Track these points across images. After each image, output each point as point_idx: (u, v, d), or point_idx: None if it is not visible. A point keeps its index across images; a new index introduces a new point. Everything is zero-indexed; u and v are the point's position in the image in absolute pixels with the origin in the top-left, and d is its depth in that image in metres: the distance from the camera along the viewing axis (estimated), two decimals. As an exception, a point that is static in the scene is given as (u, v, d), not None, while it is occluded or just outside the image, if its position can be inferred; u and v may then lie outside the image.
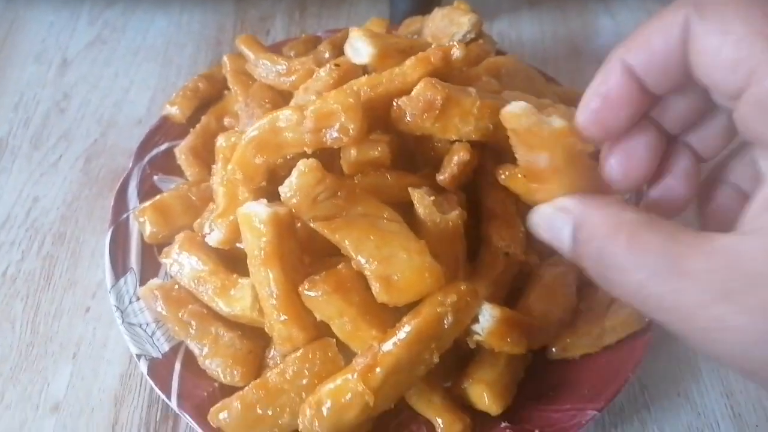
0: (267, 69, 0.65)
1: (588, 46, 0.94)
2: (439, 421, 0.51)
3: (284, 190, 0.49)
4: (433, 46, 0.57)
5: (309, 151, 0.52)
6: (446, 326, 0.47)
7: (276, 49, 0.76)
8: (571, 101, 0.73)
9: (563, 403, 0.53)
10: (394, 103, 0.55)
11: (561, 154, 0.40)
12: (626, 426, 0.57)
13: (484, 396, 0.51)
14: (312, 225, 0.50)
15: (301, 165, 0.48)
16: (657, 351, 0.61)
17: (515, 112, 0.41)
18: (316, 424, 0.46)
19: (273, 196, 0.52)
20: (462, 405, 0.52)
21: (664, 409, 0.59)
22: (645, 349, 0.55)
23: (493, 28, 0.94)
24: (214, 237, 0.55)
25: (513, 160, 0.58)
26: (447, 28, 0.68)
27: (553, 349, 0.55)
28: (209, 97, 0.71)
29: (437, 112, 0.53)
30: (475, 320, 0.49)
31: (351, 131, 0.51)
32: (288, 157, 0.53)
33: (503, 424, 0.52)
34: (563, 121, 0.41)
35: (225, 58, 0.71)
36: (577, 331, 0.55)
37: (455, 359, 0.53)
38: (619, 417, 0.58)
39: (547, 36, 0.94)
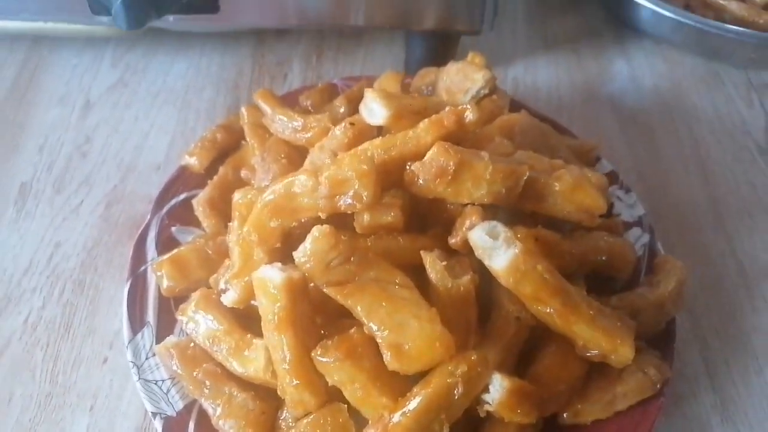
0: (283, 125, 0.66)
1: (603, 91, 0.94)
2: (450, 489, 0.51)
3: (298, 255, 0.50)
4: (447, 109, 0.58)
5: (323, 216, 0.53)
6: (456, 397, 0.48)
7: (292, 97, 0.77)
8: (583, 155, 0.74)
9: (574, 469, 0.53)
10: (408, 167, 0.55)
11: None
12: (638, 491, 0.57)
13: (494, 465, 0.51)
14: (325, 290, 0.51)
15: (316, 231, 0.49)
16: (670, 414, 0.61)
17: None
18: (326, 493, 0.46)
19: (287, 256, 0.53)
20: (472, 472, 0.52)
21: (676, 475, 0.58)
22: (657, 415, 0.55)
23: (509, 73, 0.94)
24: (230, 297, 0.56)
25: (523, 220, 0.60)
26: (461, 83, 0.69)
27: (565, 415, 0.55)
28: (227, 147, 0.73)
29: (450, 177, 0.54)
30: (486, 390, 0.50)
31: (365, 198, 0.52)
32: (303, 220, 0.54)
33: (514, 492, 0.52)
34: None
35: (243, 110, 0.72)
36: (588, 397, 0.55)
37: (466, 425, 0.53)
38: (631, 482, 0.57)
39: (562, 81, 0.94)
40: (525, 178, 0.57)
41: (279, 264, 0.52)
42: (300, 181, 0.53)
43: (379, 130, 0.62)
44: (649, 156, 0.86)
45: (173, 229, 0.68)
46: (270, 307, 0.51)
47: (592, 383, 0.56)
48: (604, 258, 0.62)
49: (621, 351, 0.53)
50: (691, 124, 0.90)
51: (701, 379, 0.64)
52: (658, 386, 0.56)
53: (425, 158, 0.54)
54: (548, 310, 0.52)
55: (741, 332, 0.68)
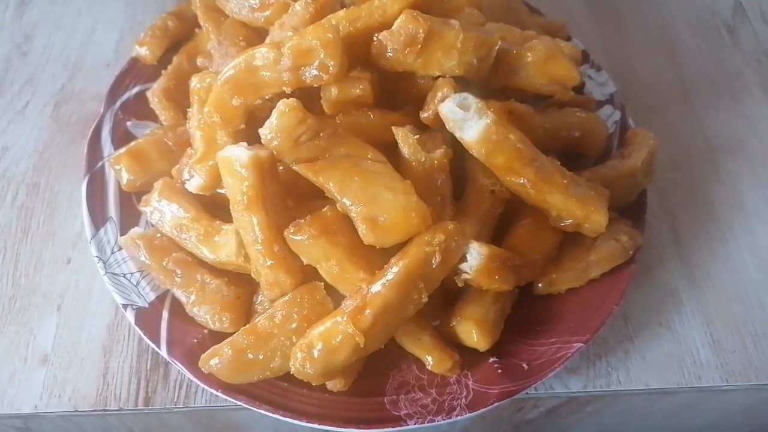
0: (239, 4, 0.61)
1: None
2: (429, 358, 0.51)
3: (265, 132, 0.48)
4: (413, -24, 0.54)
5: (288, 90, 0.50)
6: (434, 266, 0.47)
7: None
8: (553, 32, 0.71)
9: (549, 337, 0.54)
10: (375, 38, 0.53)
11: None
12: (610, 357, 0.59)
13: (472, 333, 0.51)
14: (295, 167, 0.49)
15: (282, 105, 0.47)
16: (639, 283, 0.63)
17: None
18: (308, 366, 0.46)
19: (253, 139, 0.50)
20: (451, 342, 0.53)
21: (646, 338, 0.60)
22: (629, 281, 0.56)
23: (474, -45, 0.90)
24: (195, 183, 0.54)
25: (496, 96, 0.58)
26: (427, -44, 0.65)
27: (540, 285, 0.56)
28: (180, 36, 0.68)
29: (419, 46, 0.51)
30: (463, 259, 0.49)
31: (331, 68, 0.49)
32: (267, 97, 0.52)
33: (491, 359, 0.53)
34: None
35: (194, -6, 0.67)
36: (562, 266, 0.56)
37: (443, 298, 0.54)
38: (603, 348, 0.59)
39: (530, -37, 0.90)
40: (497, 47, 0.54)
41: (245, 143, 0.49)
42: (261, 53, 0.49)
43: (343, 5, 0.59)
44: (618, 38, 0.84)
45: (128, 123, 0.64)
46: (238, 187, 0.49)
47: (566, 253, 0.56)
48: (576, 134, 0.62)
49: (594, 218, 0.53)
50: (659, 5, 0.88)
51: (669, 248, 0.65)
52: (630, 253, 0.56)
53: (393, 27, 0.52)
54: (521, 181, 0.51)
55: (707, 203, 0.69)
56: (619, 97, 0.70)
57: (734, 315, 0.62)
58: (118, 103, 0.65)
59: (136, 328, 0.53)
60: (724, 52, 0.84)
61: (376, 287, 0.46)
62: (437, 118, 0.52)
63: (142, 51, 0.66)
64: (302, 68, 0.49)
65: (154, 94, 0.64)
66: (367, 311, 0.46)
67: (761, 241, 0.67)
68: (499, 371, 0.52)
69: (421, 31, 0.50)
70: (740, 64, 0.83)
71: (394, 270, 0.47)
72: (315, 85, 0.50)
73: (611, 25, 0.85)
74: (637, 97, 0.78)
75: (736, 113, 0.78)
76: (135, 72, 0.67)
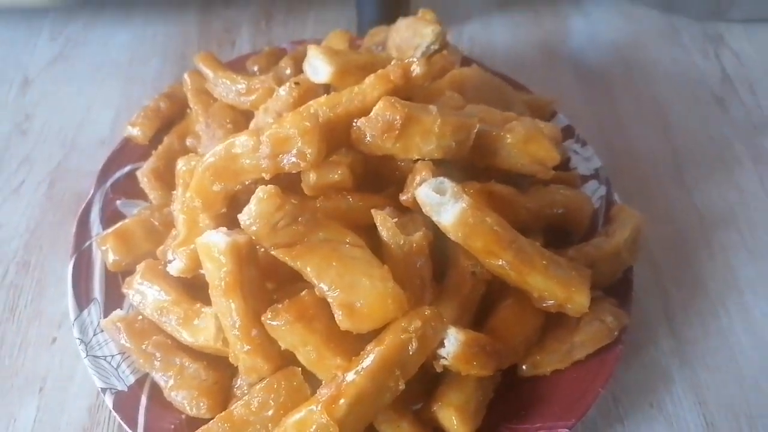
0: (226, 88, 0.63)
1: (561, 48, 0.93)
2: (409, 446, 0.50)
3: (243, 218, 0.48)
4: (393, 63, 0.56)
5: (267, 176, 0.51)
6: (411, 352, 0.47)
7: (239, 64, 0.75)
8: (539, 110, 0.73)
9: (534, 421, 0.53)
10: (354, 124, 0.54)
11: None
12: (600, 439, 0.57)
13: (453, 419, 0.50)
14: (273, 252, 0.49)
15: (260, 192, 0.48)
16: (629, 362, 0.61)
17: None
18: (282, 457, 0.45)
19: (234, 222, 0.51)
20: (432, 428, 0.51)
21: (637, 421, 0.58)
22: (616, 363, 0.55)
23: (464, 32, 0.93)
24: (175, 266, 0.54)
25: (478, 176, 0.59)
26: (411, 40, 0.67)
27: (524, 367, 0.55)
28: (172, 116, 0.70)
29: (397, 132, 0.52)
30: (441, 344, 0.49)
31: (309, 156, 0.50)
32: (247, 182, 0.53)
33: (474, 446, 0.51)
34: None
35: (186, 76, 0.69)
36: (546, 347, 0.55)
37: (423, 381, 0.52)
38: (592, 431, 0.58)
39: (519, 39, 0.93)
40: (475, 130, 0.55)
41: (224, 228, 0.50)
42: (240, 141, 0.51)
43: (326, 90, 0.60)
44: (609, 110, 0.85)
45: (118, 202, 0.65)
46: (216, 273, 0.49)
47: (550, 334, 0.56)
48: (560, 211, 0.62)
49: (576, 299, 0.52)
50: (649, 78, 0.90)
51: (661, 325, 0.64)
52: (616, 333, 0.55)
53: (371, 113, 0.53)
54: (501, 263, 0.51)
55: (698, 279, 0.68)
56: (605, 172, 0.70)
57: (729, 396, 0.60)
58: (108, 183, 0.66)
59: (114, 414, 0.52)
60: (714, 124, 0.85)
61: (351, 376, 0.46)
62: (416, 201, 0.53)
63: (134, 131, 0.68)
64: (280, 155, 0.50)
65: (144, 174, 0.65)
66: (342, 400, 0.45)
67: (755, 317, 0.65)
68: (482, 459, 0.51)
69: (398, 117, 0.52)
70: (730, 135, 0.83)
71: (369, 357, 0.46)
72: (293, 171, 0.51)
73: (602, 98, 0.87)
74: (629, 169, 0.78)
75: (727, 185, 0.78)
76: (127, 151, 0.68)
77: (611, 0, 1.00)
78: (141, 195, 0.66)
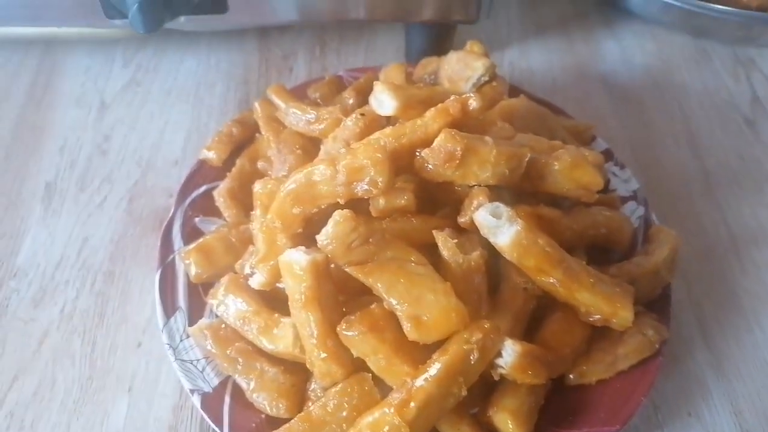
0: (297, 117, 0.69)
1: (595, 72, 0.98)
2: (468, 446, 0.55)
3: (321, 238, 0.54)
4: (451, 98, 0.62)
5: (342, 201, 0.57)
6: (472, 362, 0.52)
7: (300, 91, 0.81)
8: (579, 134, 0.78)
9: (581, 426, 0.58)
10: (417, 154, 0.59)
11: None
12: (641, 445, 0.62)
13: (508, 423, 0.55)
14: (347, 269, 0.55)
15: (337, 216, 0.53)
16: (668, 372, 0.66)
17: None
18: (358, 453, 0.51)
19: (308, 239, 0.57)
20: (487, 430, 0.57)
21: (676, 428, 0.63)
22: (656, 373, 0.60)
23: (505, 57, 0.98)
24: (257, 280, 0.60)
25: (526, 199, 0.64)
26: (462, 71, 0.73)
27: (571, 376, 0.60)
28: (242, 141, 0.76)
29: (457, 162, 0.58)
30: (499, 355, 0.54)
31: (380, 184, 0.56)
32: (323, 206, 0.58)
33: (527, 448, 0.56)
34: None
35: (256, 105, 0.76)
36: (592, 358, 0.60)
37: (481, 387, 0.58)
38: (634, 436, 0.62)
39: (555, 64, 0.98)
40: (527, 159, 0.61)
41: (303, 247, 0.56)
42: (319, 170, 0.57)
43: (388, 120, 0.66)
44: (641, 132, 0.90)
45: (196, 220, 0.72)
46: (297, 288, 0.55)
47: (596, 346, 0.60)
48: (603, 231, 0.67)
49: (621, 314, 0.57)
50: (680, 100, 0.94)
51: (696, 339, 0.69)
52: (657, 346, 0.60)
53: (433, 145, 0.58)
54: (551, 281, 0.57)
55: (732, 294, 0.72)
56: (643, 193, 0.75)
57: (763, 405, 0.64)
58: (187, 201, 0.72)
59: (202, 412, 0.58)
60: (744, 144, 0.89)
61: (420, 382, 0.51)
62: (473, 223, 0.58)
63: (210, 154, 0.75)
64: (354, 183, 0.56)
65: (220, 194, 0.71)
66: (412, 404, 0.51)
67: (787, 331, 0.70)
68: (535, 459, 0.56)
69: (459, 148, 0.57)
70: (761, 155, 0.87)
71: (436, 366, 0.52)
72: (365, 197, 0.57)
73: (635, 120, 0.91)
74: (662, 188, 0.83)
75: (758, 203, 0.82)
76: (202, 172, 0.75)
77: (644, 25, 1.05)
78: (216, 213, 0.72)
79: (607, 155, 0.78)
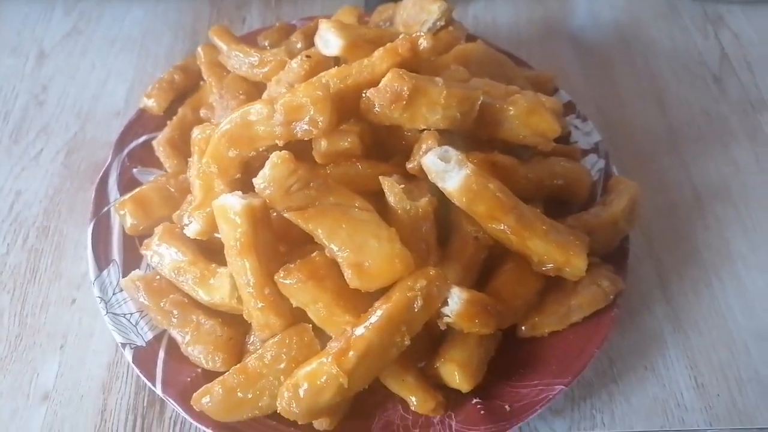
0: (240, 61, 0.66)
1: (562, 27, 0.95)
2: (413, 399, 0.53)
3: (258, 181, 0.51)
4: (401, 37, 0.58)
5: (281, 143, 0.53)
6: (416, 310, 0.50)
7: (250, 39, 0.77)
8: (540, 85, 0.75)
9: (532, 379, 0.56)
10: (363, 95, 0.56)
11: None
12: (595, 399, 0.60)
13: (455, 374, 0.53)
14: (286, 215, 0.52)
15: (274, 157, 0.50)
16: (625, 325, 0.64)
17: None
18: (294, 405, 0.48)
19: (248, 187, 0.53)
20: (435, 384, 0.54)
21: (631, 382, 0.61)
22: (611, 325, 0.58)
23: (469, 11, 0.94)
24: (192, 228, 0.57)
25: (481, 147, 0.61)
26: (418, 16, 0.69)
27: (523, 328, 0.58)
28: (185, 89, 0.72)
29: (405, 102, 0.54)
30: (445, 303, 0.51)
31: (320, 123, 0.52)
32: (261, 149, 0.55)
33: (475, 401, 0.54)
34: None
35: (199, 50, 0.72)
36: (544, 309, 0.58)
37: (427, 340, 0.55)
38: (588, 391, 0.60)
39: (522, 18, 0.94)
40: (479, 102, 0.58)
41: (239, 192, 0.52)
42: (256, 109, 0.53)
43: (336, 63, 0.62)
44: (608, 88, 0.87)
45: (134, 170, 0.68)
46: (232, 234, 0.52)
47: (548, 297, 0.58)
48: (560, 182, 0.64)
49: (574, 263, 0.55)
50: (648, 57, 0.92)
51: (655, 293, 0.67)
52: (612, 297, 0.58)
53: (380, 84, 0.55)
54: (502, 228, 0.54)
55: (693, 249, 0.71)
56: (604, 146, 0.72)
57: (719, 359, 0.63)
58: (125, 151, 0.68)
59: (134, 367, 0.55)
60: (711, 101, 0.87)
61: (360, 330, 0.49)
62: (422, 169, 0.55)
63: (150, 102, 0.70)
64: (293, 123, 0.52)
65: (160, 144, 0.67)
66: (351, 353, 0.48)
67: (747, 286, 0.68)
68: (482, 412, 0.53)
69: (406, 88, 0.54)
70: (727, 113, 0.85)
71: (377, 314, 0.49)
72: (306, 139, 0.53)
73: (601, 75, 0.89)
74: (626, 144, 0.80)
75: (723, 161, 0.80)
76: (142, 122, 0.71)
77: (614, -20, 1.02)
78: (156, 164, 0.68)
79: (569, 108, 0.75)
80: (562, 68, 0.88)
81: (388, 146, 0.60)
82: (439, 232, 0.57)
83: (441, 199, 0.56)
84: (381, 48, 0.58)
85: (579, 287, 0.58)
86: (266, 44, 0.75)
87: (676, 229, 0.73)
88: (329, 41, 0.59)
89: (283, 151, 0.50)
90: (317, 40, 0.61)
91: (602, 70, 0.90)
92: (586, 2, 0.99)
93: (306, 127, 0.52)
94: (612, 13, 0.98)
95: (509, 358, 0.57)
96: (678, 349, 0.63)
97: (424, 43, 0.58)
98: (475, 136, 0.61)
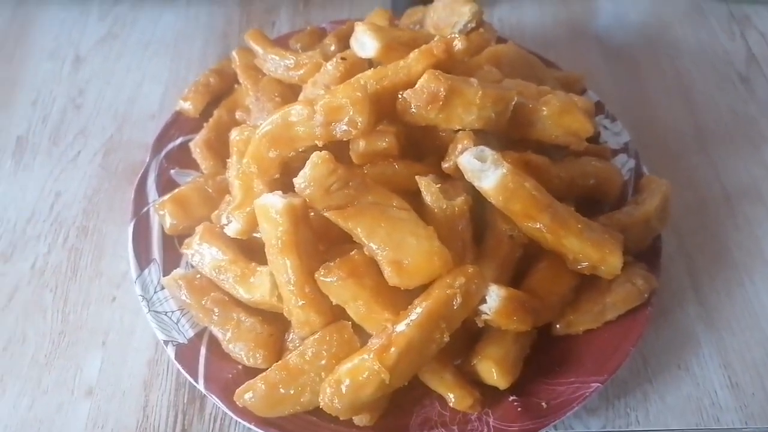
0: (275, 64, 0.67)
1: (588, 28, 0.95)
2: (451, 396, 0.54)
3: (299, 181, 0.52)
4: (435, 39, 0.59)
5: (320, 144, 0.54)
6: (455, 307, 0.50)
7: (282, 42, 0.78)
8: (569, 86, 0.76)
9: (568, 376, 0.56)
10: (400, 96, 0.57)
11: None
12: (629, 398, 0.60)
13: (492, 371, 0.53)
14: (325, 214, 0.53)
15: (315, 157, 0.51)
16: (658, 324, 0.64)
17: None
18: (336, 401, 0.49)
19: (287, 187, 0.55)
20: (472, 380, 0.55)
21: (665, 381, 0.61)
22: (645, 324, 0.58)
23: (494, 13, 0.95)
24: (233, 228, 0.58)
25: (514, 147, 0.62)
26: (448, 18, 0.70)
27: (558, 326, 0.58)
28: (220, 91, 0.74)
29: (441, 103, 0.55)
30: (483, 301, 0.52)
31: (359, 124, 0.53)
32: (300, 150, 0.56)
33: (511, 398, 0.55)
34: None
35: (234, 53, 0.73)
36: (579, 308, 0.58)
37: (465, 338, 0.56)
38: (623, 389, 0.61)
39: (547, 20, 0.95)
40: (514, 102, 0.58)
41: (279, 192, 0.54)
42: (296, 110, 0.54)
43: (371, 64, 0.63)
44: (635, 89, 0.88)
45: (172, 171, 0.69)
46: (273, 232, 0.53)
47: (583, 295, 0.59)
48: (592, 182, 0.65)
49: (610, 261, 0.55)
50: (674, 57, 0.92)
51: (687, 292, 0.67)
52: (646, 296, 0.58)
53: (416, 86, 0.56)
54: (538, 226, 0.54)
55: (724, 248, 0.71)
56: (634, 146, 0.73)
57: (753, 358, 0.63)
58: (162, 153, 0.70)
59: (176, 363, 0.56)
60: (739, 101, 0.87)
61: (401, 327, 0.49)
62: (458, 169, 0.56)
63: (186, 105, 0.72)
64: (333, 124, 0.53)
65: (197, 145, 0.69)
66: (392, 349, 0.49)
67: (779, 285, 0.68)
68: (519, 409, 0.54)
69: (442, 89, 0.55)
70: (755, 113, 0.85)
71: (417, 311, 0.50)
72: (345, 139, 0.54)
73: (628, 75, 0.89)
74: (655, 144, 0.81)
75: (752, 161, 0.80)
76: (179, 124, 0.72)
77: (639, -19, 1.02)
78: (193, 165, 0.70)
79: (599, 108, 0.76)
80: (588, 69, 0.88)
81: (422, 146, 0.61)
82: (474, 231, 0.58)
83: (476, 198, 0.57)
84: (416, 50, 0.59)
85: (613, 285, 0.58)
86: (298, 47, 0.77)
87: (706, 228, 0.73)
88: (365, 43, 0.60)
89: (323, 152, 0.51)
90: (353, 42, 0.62)
91: (629, 70, 0.90)
92: (610, 4, 0.99)
93: (345, 127, 0.53)
94: (637, 15, 0.98)
95: (544, 356, 0.58)
96: (711, 348, 0.63)
97: (458, 44, 0.59)
98: (509, 135, 0.62)
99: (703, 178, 0.78)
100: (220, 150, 0.68)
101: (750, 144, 0.82)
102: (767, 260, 0.70)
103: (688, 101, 0.86)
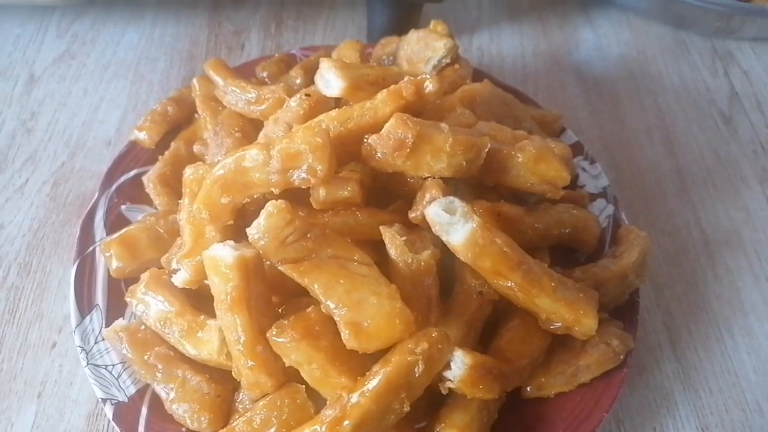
0: (236, 96, 0.63)
1: (568, 60, 0.92)
2: (411, 466, 0.50)
3: (252, 232, 0.48)
4: (405, 79, 0.56)
5: (277, 191, 0.50)
6: (417, 375, 0.46)
7: (248, 68, 0.74)
8: (547, 125, 0.72)
9: (538, 443, 0.53)
10: (365, 140, 0.53)
11: None
12: (602, 462, 0.57)
13: (456, 442, 0.50)
14: (280, 268, 0.49)
15: (270, 206, 0.47)
16: (633, 384, 0.61)
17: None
18: (284, 477, 0.45)
19: (242, 233, 0.50)
20: (434, 448, 0.51)
21: (639, 444, 0.58)
22: (620, 387, 0.55)
23: (473, 42, 0.92)
24: (180, 277, 0.54)
25: (487, 193, 0.58)
26: (422, 52, 0.67)
27: (528, 389, 0.54)
28: (179, 121, 0.69)
29: (408, 150, 0.52)
30: (447, 366, 0.48)
31: (319, 172, 0.49)
32: (255, 196, 0.52)
33: (476, 467, 0.51)
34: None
35: (194, 82, 0.69)
36: (551, 369, 0.55)
37: (429, 399, 0.52)
38: (595, 453, 0.57)
39: (527, 50, 0.92)
40: (486, 149, 0.55)
41: (231, 242, 0.49)
42: (251, 155, 0.50)
43: (337, 102, 0.60)
44: (614, 126, 0.85)
45: (123, 207, 0.65)
46: (222, 287, 0.48)
47: (556, 356, 0.55)
48: (568, 231, 0.62)
49: (584, 322, 0.52)
50: (656, 93, 0.90)
51: (664, 347, 0.64)
52: (622, 357, 0.55)
53: (383, 131, 0.52)
54: (509, 284, 0.51)
55: (703, 300, 0.68)
56: (613, 191, 0.70)
57: (731, 421, 0.60)
58: (113, 187, 0.65)
59: (114, 424, 0.52)
60: (720, 142, 0.84)
61: (356, 397, 0.45)
62: (425, 219, 0.52)
63: (141, 135, 0.67)
64: (291, 171, 0.50)
65: (150, 180, 0.64)
66: (346, 422, 0.45)
67: (759, 341, 0.65)
68: (485, 481, 0.50)
69: (410, 135, 0.51)
70: (737, 154, 0.83)
71: (375, 379, 0.46)
72: (303, 187, 0.50)
73: (608, 113, 0.86)
74: (634, 186, 0.78)
75: (733, 205, 0.77)
76: (133, 155, 0.68)
77: (621, 13, 1.00)
78: (146, 200, 0.65)
79: (577, 149, 0.73)
80: (567, 103, 0.86)
81: (389, 191, 0.58)
82: (442, 284, 0.54)
83: (444, 250, 0.53)
84: (384, 90, 0.55)
85: (588, 346, 0.55)
86: (265, 75, 0.73)
87: (685, 278, 0.70)
88: (330, 81, 0.57)
89: (279, 201, 0.47)
90: (317, 79, 0.58)
91: (608, 105, 0.88)
92: (592, 35, 0.97)
93: (304, 175, 0.50)
94: (618, 48, 0.95)
95: (513, 421, 0.54)
96: (688, 409, 0.60)
97: (429, 86, 0.56)
98: (481, 181, 0.59)
99: (683, 223, 0.75)
100: (175, 186, 0.64)
101: (731, 187, 0.79)
102: (747, 312, 0.68)
103: (668, 140, 0.84)
